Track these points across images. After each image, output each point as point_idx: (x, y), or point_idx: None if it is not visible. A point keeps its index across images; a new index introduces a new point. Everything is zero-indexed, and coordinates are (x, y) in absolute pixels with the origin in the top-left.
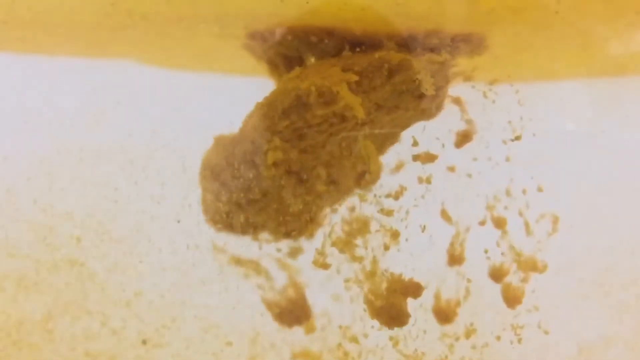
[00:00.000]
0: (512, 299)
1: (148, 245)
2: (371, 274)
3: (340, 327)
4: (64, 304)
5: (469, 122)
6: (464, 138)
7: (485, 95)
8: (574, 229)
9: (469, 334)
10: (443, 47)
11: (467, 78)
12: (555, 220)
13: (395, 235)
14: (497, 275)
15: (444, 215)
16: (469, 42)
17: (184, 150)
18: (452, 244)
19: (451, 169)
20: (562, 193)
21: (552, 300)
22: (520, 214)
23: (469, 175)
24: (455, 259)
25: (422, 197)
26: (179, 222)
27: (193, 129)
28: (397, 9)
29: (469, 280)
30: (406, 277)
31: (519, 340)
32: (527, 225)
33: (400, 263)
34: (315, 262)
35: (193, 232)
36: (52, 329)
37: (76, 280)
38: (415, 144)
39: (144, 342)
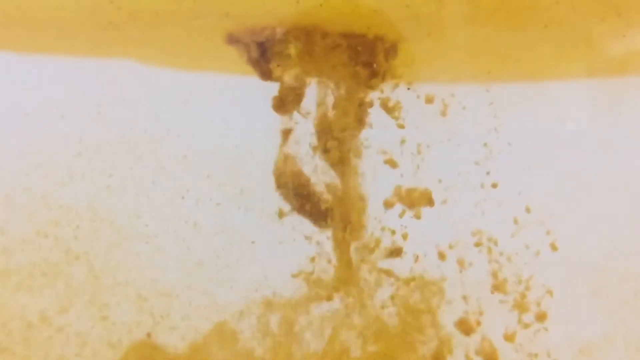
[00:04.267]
0: None
1: (147, 229)
2: None
3: None
4: (66, 299)
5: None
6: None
7: (480, 97)
8: (572, 229)
9: None
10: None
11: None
12: (552, 242)
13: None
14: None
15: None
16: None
17: (184, 145)
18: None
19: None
20: (559, 193)
21: (552, 300)
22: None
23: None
24: (467, 327)
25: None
26: (183, 198)
27: (193, 128)
28: (406, 12)
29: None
30: None
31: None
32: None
33: None
34: None
35: (192, 215)
36: (55, 324)
37: (78, 274)
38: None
39: (149, 335)
